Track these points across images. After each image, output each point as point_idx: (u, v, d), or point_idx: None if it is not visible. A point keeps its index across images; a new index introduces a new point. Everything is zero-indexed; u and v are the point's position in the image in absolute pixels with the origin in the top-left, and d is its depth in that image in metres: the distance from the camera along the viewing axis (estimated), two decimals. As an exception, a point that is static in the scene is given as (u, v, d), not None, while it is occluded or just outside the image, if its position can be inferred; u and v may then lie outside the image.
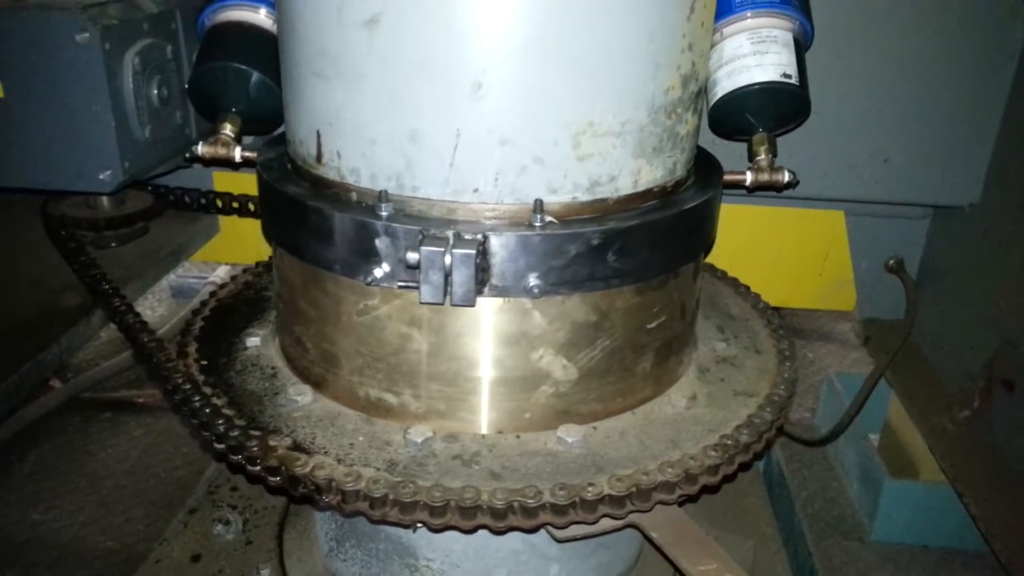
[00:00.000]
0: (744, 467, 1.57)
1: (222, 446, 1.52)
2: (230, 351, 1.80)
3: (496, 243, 1.36)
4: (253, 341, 1.82)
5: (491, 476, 1.42)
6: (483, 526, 1.38)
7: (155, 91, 1.91)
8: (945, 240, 2.46)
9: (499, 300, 1.43)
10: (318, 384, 1.65)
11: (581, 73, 1.34)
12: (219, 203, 2.39)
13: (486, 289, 1.39)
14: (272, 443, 1.49)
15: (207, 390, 1.65)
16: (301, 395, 1.63)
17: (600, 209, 1.46)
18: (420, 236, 1.34)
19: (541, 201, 1.38)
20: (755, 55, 1.87)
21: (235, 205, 2.37)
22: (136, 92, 1.85)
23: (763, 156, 1.91)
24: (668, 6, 1.37)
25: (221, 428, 1.53)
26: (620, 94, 1.38)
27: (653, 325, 1.57)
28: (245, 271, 2.10)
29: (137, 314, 1.86)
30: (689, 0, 1.39)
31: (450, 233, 1.33)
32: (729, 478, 1.56)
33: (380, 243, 1.39)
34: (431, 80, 1.32)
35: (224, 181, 2.56)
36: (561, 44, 1.31)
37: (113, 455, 2.98)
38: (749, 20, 1.87)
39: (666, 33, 1.38)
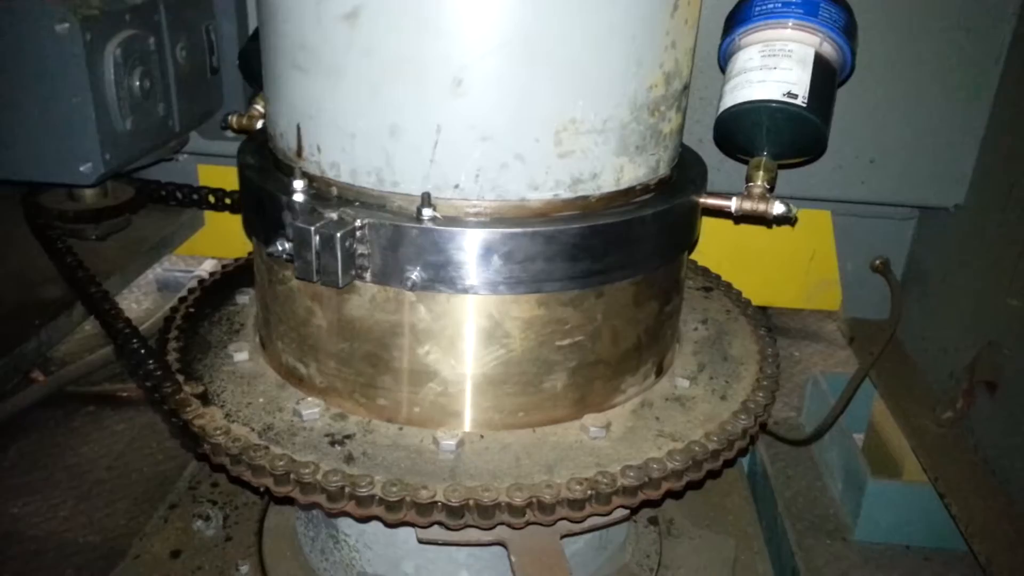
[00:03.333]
0: (631, 509, 1.49)
1: (146, 383, 1.64)
2: (220, 304, 1.95)
3: (373, 231, 1.36)
4: (242, 299, 1.95)
5: (343, 459, 1.44)
6: (317, 504, 1.40)
7: (137, 83, 1.89)
8: (930, 241, 2.46)
9: (383, 289, 1.43)
10: (263, 345, 1.73)
11: (562, 70, 1.33)
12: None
13: (368, 275, 1.40)
14: (185, 389, 1.60)
15: (173, 333, 1.79)
16: (239, 351, 1.73)
17: (582, 207, 1.45)
18: (309, 213, 1.37)
19: (428, 195, 1.36)
20: (761, 70, 1.69)
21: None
22: (117, 84, 1.82)
23: (756, 183, 1.71)
24: (650, 3, 1.36)
25: (150, 368, 1.64)
26: (602, 91, 1.37)
27: (565, 343, 1.50)
28: None
29: (87, 268, 1.95)
30: (672, -3, 1.39)
31: (333, 214, 1.35)
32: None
33: (285, 217, 1.41)
34: (411, 75, 1.31)
35: (209, 175, 2.55)
36: (542, 41, 1.30)
37: (95, 449, 2.95)
38: (763, 31, 1.71)
39: (648, 30, 1.37)
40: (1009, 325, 2.03)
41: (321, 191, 1.45)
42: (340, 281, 1.35)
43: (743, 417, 1.62)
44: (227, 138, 2.35)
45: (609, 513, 1.44)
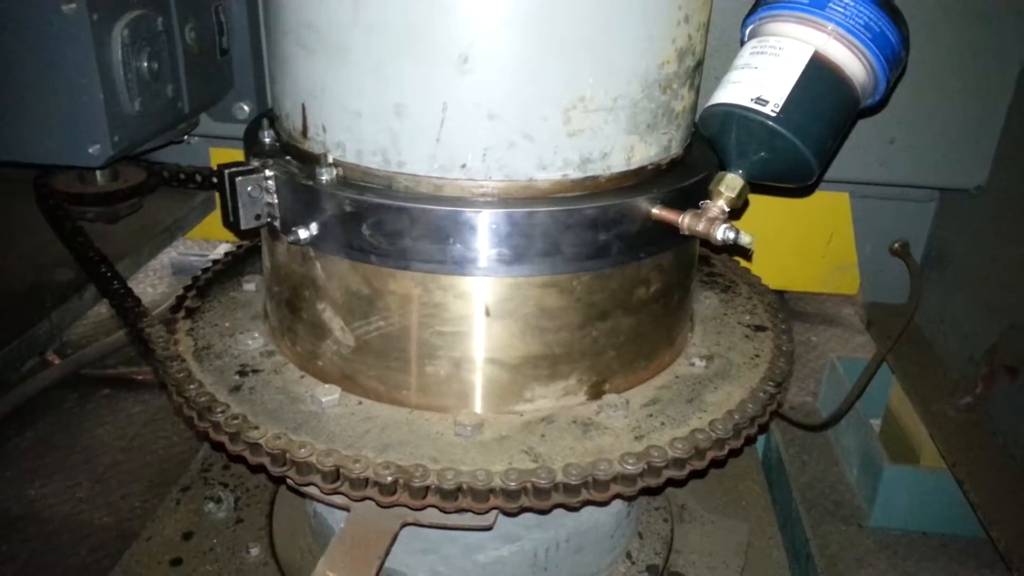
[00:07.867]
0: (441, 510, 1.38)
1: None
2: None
3: (278, 185, 1.44)
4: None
5: (228, 390, 1.53)
6: (192, 419, 1.50)
7: (145, 64, 1.88)
8: (951, 223, 2.42)
9: (289, 243, 1.47)
10: None
11: (571, 45, 1.30)
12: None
13: (277, 223, 1.48)
14: (186, 302, 1.82)
15: (226, 258, 2.01)
16: (249, 283, 1.89)
17: (592, 187, 1.42)
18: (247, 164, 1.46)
19: (326, 155, 1.40)
20: (743, 69, 1.47)
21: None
22: (125, 65, 1.81)
23: (714, 201, 1.47)
24: (661, -24, 1.33)
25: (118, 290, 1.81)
26: (612, 68, 1.34)
27: (446, 330, 1.43)
28: None
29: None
30: (684, -29, 1.35)
31: (256, 163, 1.45)
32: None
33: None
34: (417, 51, 1.29)
35: (221, 158, 2.54)
36: (551, 15, 1.27)
37: (110, 432, 2.98)
38: (765, 24, 1.51)
39: (660, 4, 1.34)
40: (1031, 309, 1.99)
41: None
42: (241, 224, 1.44)
43: (630, 461, 1.37)
44: (238, 120, 2.34)
45: (420, 509, 1.36)
